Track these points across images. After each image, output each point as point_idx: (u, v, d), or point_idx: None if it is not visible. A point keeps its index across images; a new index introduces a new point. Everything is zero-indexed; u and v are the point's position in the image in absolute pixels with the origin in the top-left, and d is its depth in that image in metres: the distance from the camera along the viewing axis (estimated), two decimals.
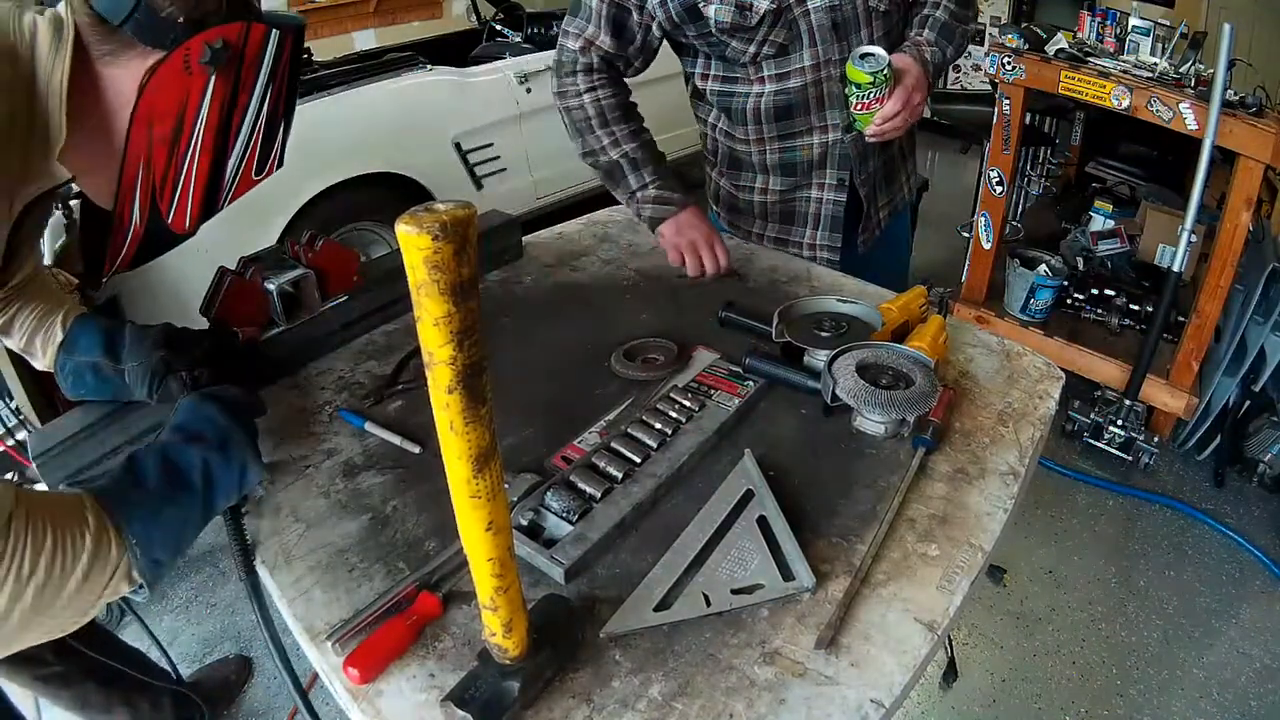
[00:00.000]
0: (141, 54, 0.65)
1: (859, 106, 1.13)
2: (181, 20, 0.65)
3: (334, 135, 2.57)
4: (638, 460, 0.85)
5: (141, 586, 0.62)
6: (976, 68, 4.74)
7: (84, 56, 0.64)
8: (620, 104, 1.28)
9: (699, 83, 1.33)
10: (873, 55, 1.10)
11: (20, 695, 1.34)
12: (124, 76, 0.66)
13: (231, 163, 0.75)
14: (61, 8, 0.65)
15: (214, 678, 1.62)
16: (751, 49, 1.20)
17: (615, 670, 0.66)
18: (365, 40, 4.11)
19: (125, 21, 0.64)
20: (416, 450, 0.91)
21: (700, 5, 1.16)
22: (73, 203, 1.95)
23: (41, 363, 0.88)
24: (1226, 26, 1.80)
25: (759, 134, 1.30)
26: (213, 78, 0.68)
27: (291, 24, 0.74)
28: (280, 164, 0.81)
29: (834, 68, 1.20)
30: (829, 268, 1.36)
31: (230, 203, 0.79)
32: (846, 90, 1.13)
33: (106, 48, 0.65)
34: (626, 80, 1.31)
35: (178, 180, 0.71)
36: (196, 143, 0.71)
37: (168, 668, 1.40)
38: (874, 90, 1.11)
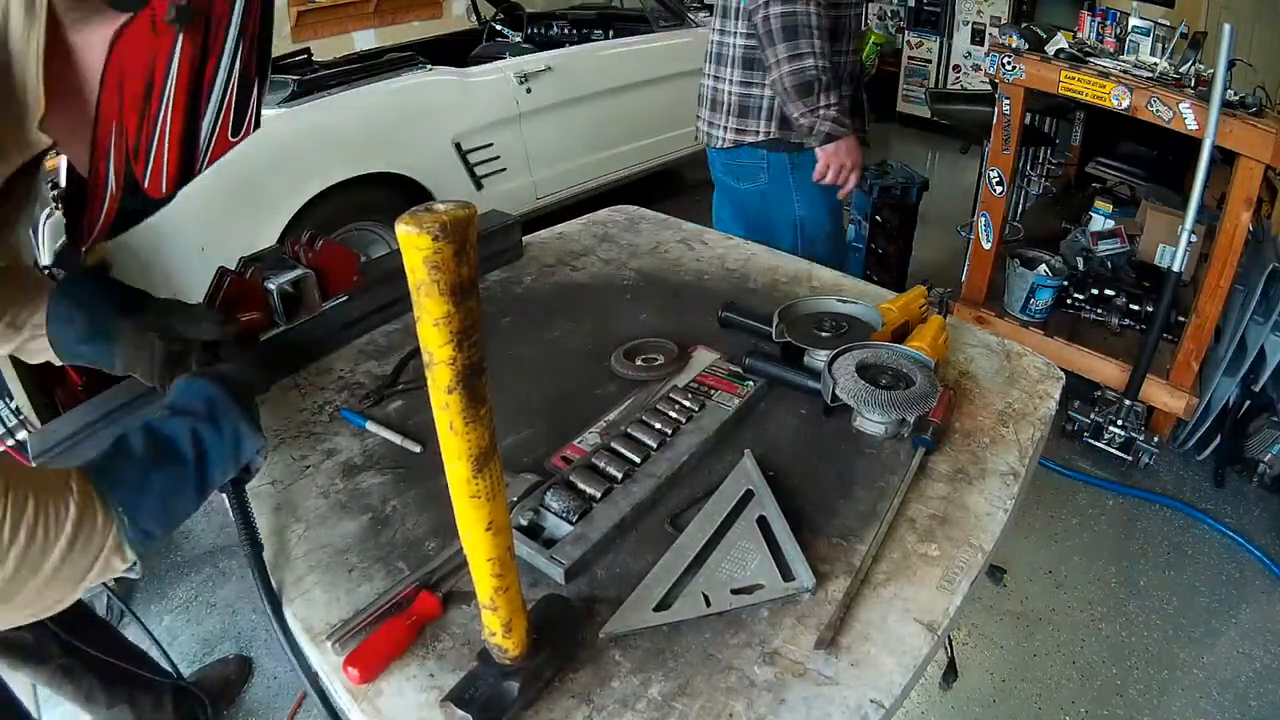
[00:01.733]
0: (110, 18, 0.65)
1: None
2: None
3: (334, 135, 2.56)
4: (638, 460, 0.85)
5: (135, 565, 0.62)
6: (976, 68, 4.74)
7: (56, 26, 0.64)
8: (828, 25, 1.49)
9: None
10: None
11: (21, 688, 1.34)
12: (94, 42, 0.65)
13: (206, 123, 0.74)
14: None
15: (214, 677, 1.62)
16: None
17: (615, 670, 0.66)
18: (365, 40, 4.13)
19: None
20: (417, 450, 0.91)
21: None
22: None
23: (31, 349, 0.85)
24: (1226, 26, 1.79)
25: (848, 46, 1.66)
26: (180, 36, 0.68)
27: None
28: (257, 125, 0.81)
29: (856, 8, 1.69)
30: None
31: (208, 166, 0.78)
32: (875, 40, 1.87)
33: (75, 14, 0.65)
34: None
35: (151, 143, 0.71)
36: (168, 103, 0.70)
37: (168, 668, 1.40)
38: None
